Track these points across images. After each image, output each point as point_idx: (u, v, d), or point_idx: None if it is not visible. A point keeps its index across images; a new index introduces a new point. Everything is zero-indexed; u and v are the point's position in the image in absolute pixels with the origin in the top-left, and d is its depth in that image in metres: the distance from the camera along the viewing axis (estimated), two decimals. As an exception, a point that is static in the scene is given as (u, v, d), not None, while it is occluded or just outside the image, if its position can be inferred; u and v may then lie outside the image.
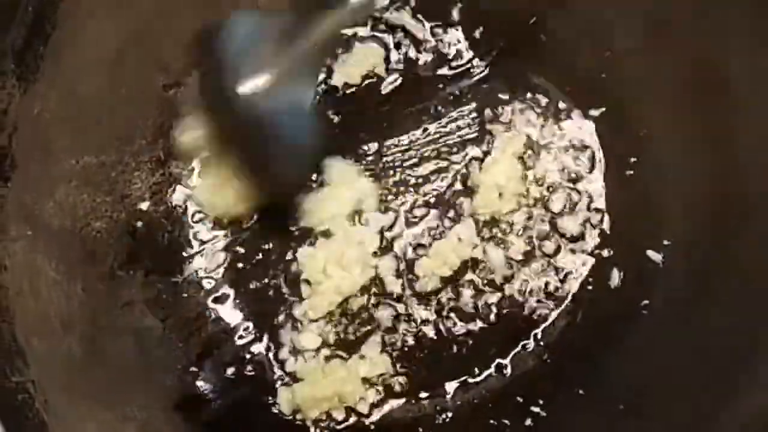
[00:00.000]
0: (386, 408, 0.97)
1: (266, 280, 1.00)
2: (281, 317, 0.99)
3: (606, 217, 1.01)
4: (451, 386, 0.98)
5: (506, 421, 0.95)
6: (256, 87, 0.83)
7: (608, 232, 1.01)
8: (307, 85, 0.87)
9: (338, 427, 0.96)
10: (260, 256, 1.01)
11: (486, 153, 1.02)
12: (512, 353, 0.98)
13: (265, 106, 0.84)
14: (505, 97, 1.05)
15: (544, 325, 0.99)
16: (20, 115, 0.86)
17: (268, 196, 0.97)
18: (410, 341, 0.98)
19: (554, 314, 0.99)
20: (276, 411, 0.96)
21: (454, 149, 1.03)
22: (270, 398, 0.97)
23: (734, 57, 0.89)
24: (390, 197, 1.02)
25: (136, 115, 1.00)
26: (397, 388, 0.97)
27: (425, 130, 1.04)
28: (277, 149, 0.88)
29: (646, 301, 0.95)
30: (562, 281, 0.99)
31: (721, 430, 0.81)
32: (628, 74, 1.00)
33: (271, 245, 1.01)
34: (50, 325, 0.87)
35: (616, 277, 0.99)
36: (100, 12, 0.91)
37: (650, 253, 0.97)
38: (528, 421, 0.95)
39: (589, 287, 1.00)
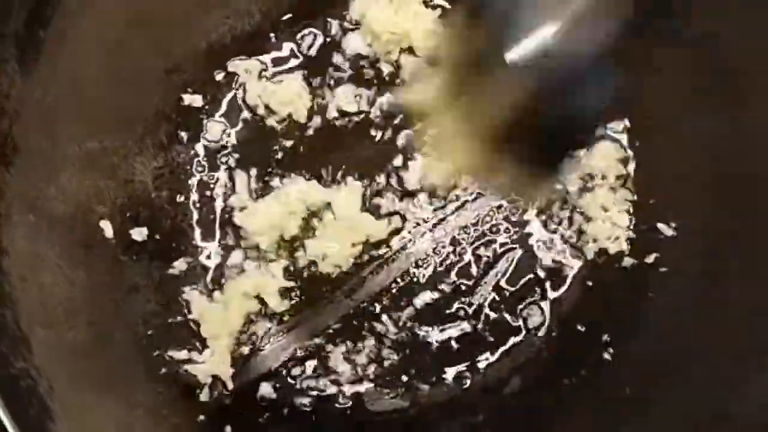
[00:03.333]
0: (383, 395, 0.97)
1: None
2: (284, 302, 0.98)
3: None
4: (452, 373, 0.98)
5: (511, 405, 0.95)
6: (529, 52, 0.65)
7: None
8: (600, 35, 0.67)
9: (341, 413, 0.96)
10: (264, 240, 1.00)
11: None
12: (517, 338, 0.98)
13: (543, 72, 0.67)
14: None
15: (550, 310, 0.99)
16: (22, 100, 0.85)
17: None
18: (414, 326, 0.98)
19: (561, 297, 0.99)
20: (275, 398, 0.96)
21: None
22: (272, 385, 0.97)
23: (739, 37, 0.88)
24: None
25: (138, 99, 0.99)
26: (401, 375, 0.98)
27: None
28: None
29: (656, 283, 0.95)
30: (571, 262, 0.99)
31: (729, 414, 0.81)
32: (631, 59, 0.99)
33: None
34: (54, 311, 0.86)
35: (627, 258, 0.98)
36: (101, -5, 0.91)
37: (660, 225, 0.96)
38: (532, 406, 0.95)
39: (600, 269, 0.99)
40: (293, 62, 1.04)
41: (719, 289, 0.89)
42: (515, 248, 1.00)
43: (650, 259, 0.96)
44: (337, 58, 1.04)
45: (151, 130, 1.00)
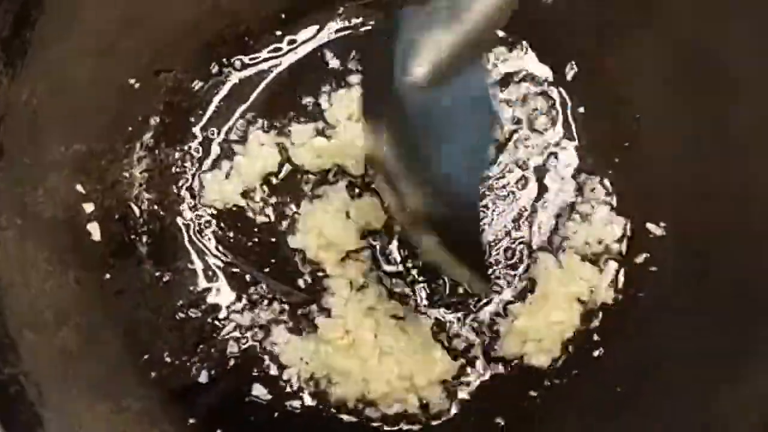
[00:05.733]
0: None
1: (261, 268, 0.99)
2: (275, 305, 0.98)
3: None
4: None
5: (503, 405, 0.95)
6: (422, 74, 0.74)
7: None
8: (477, 70, 0.78)
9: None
10: (255, 241, 1.00)
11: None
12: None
13: (437, 95, 0.75)
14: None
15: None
16: (8, 102, 0.84)
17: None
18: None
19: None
20: (268, 400, 0.96)
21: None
22: (263, 387, 0.96)
23: (730, 39, 0.89)
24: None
25: (127, 101, 0.98)
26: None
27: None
28: (454, 144, 0.77)
29: (645, 283, 0.96)
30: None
31: (719, 412, 0.82)
32: (620, 58, 1.00)
33: (264, 233, 1.00)
34: (42, 316, 0.86)
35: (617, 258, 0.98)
36: (88, -2, 0.90)
37: (650, 225, 0.96)
38: (525, 403, 0.95)
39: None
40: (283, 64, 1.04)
41: (709, 288, 0.90)
42: (506, 241, 1.00)
43: (640, 259, 0.96)
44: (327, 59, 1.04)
45: (140, 132, 1.00)
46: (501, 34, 1.03)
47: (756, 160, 0.87)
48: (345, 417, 0.95)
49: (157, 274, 0.98)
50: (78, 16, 0.88)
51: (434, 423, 0.95)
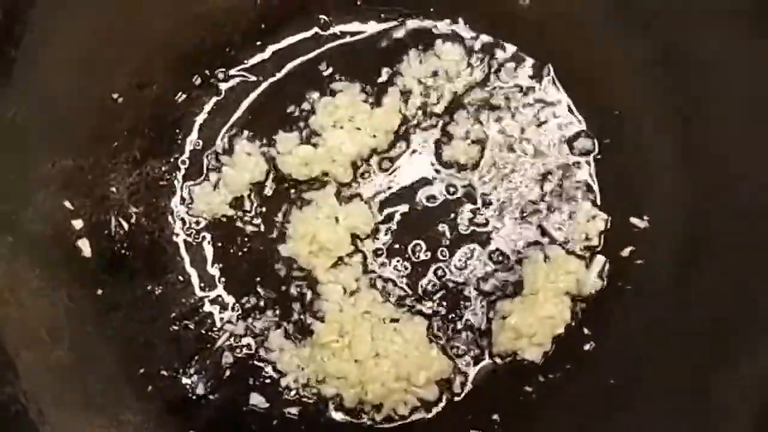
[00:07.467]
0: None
1: (253, 277, 0.99)
2: (269, 313, 0.98)
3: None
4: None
5: (498, 401, 0.96)
6: None
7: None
8: None
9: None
10: (245, 251, 1.00)
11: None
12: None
13: None
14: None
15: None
16: (-5, 119, 0.84)
17: None
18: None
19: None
20: (266, 408, 0.96)
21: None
22: (261, 395, 0.96)
23: (706, 35, 0.91)
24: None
25: (111, 115, 0.98)
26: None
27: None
28: None
29: (632, 276, 0.97)
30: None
31: (709, 397, 0.84)
32: (599, 54, 1.02)
33: (255, 242, 1.00)
34: (37, 334, 0.86)
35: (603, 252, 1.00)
36: (70, 14, 0.90)
37: (634, 219, 0.98)
38: (520, 399, 0.96)
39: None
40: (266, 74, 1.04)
41: (694, 278, 0.92)
42: (493, 240, 1.01)
43: (625, 252, 0.98)
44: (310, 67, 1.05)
45: (126, 146, 0.99)
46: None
47: (736, 150, 0.90)
48: (344, 420, 0.95)
49: (149, 287, 0.98)
50: (60, 31, 0.89)
51: (431, 421, 0.96)
